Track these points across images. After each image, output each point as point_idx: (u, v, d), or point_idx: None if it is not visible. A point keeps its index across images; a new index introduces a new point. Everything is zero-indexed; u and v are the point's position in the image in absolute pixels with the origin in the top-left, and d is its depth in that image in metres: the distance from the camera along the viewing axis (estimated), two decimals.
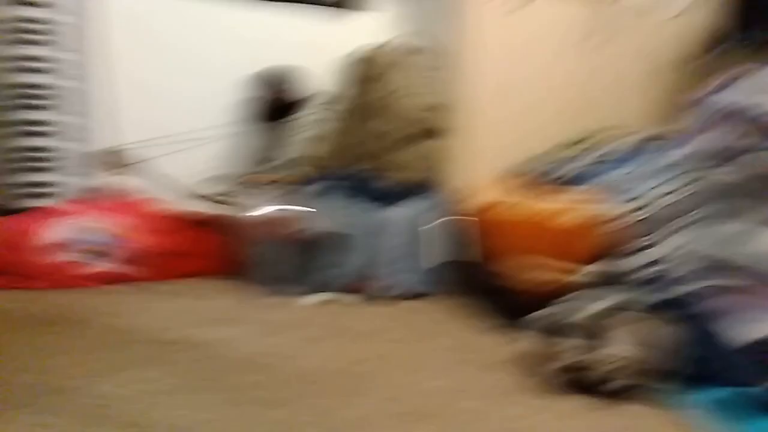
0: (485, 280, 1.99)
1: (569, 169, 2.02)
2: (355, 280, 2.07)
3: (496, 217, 1.95)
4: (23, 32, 1.99)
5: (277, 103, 2.29)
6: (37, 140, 2.08)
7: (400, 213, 2.10)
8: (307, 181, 2.16)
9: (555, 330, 1.50)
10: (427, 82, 2.12)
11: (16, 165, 2.06)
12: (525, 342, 1.58)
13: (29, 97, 2.04)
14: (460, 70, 2.15)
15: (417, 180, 2.19)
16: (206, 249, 2.20)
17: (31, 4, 1.99)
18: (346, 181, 2.13)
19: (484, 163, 2.21)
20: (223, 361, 1.55)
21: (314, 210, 2.04)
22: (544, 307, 1.71)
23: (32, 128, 2.06)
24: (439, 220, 2.09)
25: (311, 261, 2.05)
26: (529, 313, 1.67)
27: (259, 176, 2.29)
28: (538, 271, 1.76)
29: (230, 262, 2.26)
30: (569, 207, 1.80)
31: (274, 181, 2.32)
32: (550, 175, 2.05)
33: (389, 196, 2.13)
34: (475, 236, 2.01)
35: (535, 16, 2.19)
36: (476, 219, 2.02)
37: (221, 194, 2.30)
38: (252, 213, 2.01)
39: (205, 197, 2.30)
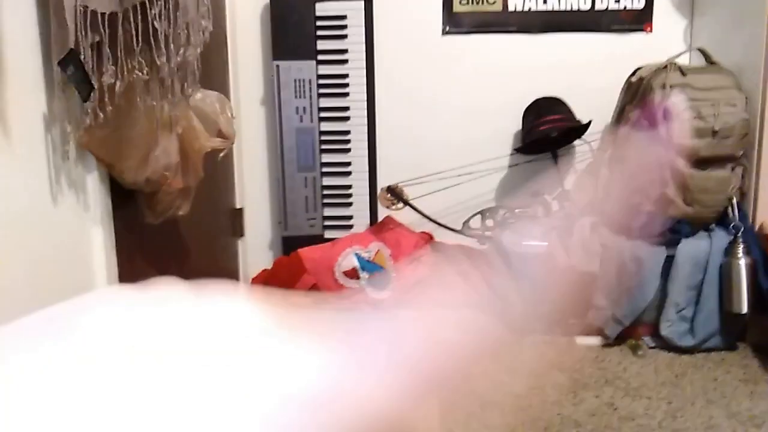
0: None
1: None
2: (634, 324, 1.88)
3: None
4: (328, 87, 2.33)
5: (549, 134, 2.22)
6: (339, 179, 2.40)
7: (690, 250, 1.84)
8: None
9: None
10: (721, 102, 1.83)
11: (324, 200, 2.41)
12: None
13: (332, 142, 2.36)
14: (763, 88, 1.82)
15: (711, 212, 1.90)
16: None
17: (334, 63, 2.31)
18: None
19: None
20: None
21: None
22: None
23: (334, 169, 2.38)
24: (742, 260, 1.78)
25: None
26: None
27: (529, 210, 2.26)
28: None
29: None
30: None
31: (545, 215, 2.26)
32: None
33: (677, 231, 1.89)
34: None
35: None
36: None
37: (489, 228, 2.33)
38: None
39: (473, 230, 2.36)
